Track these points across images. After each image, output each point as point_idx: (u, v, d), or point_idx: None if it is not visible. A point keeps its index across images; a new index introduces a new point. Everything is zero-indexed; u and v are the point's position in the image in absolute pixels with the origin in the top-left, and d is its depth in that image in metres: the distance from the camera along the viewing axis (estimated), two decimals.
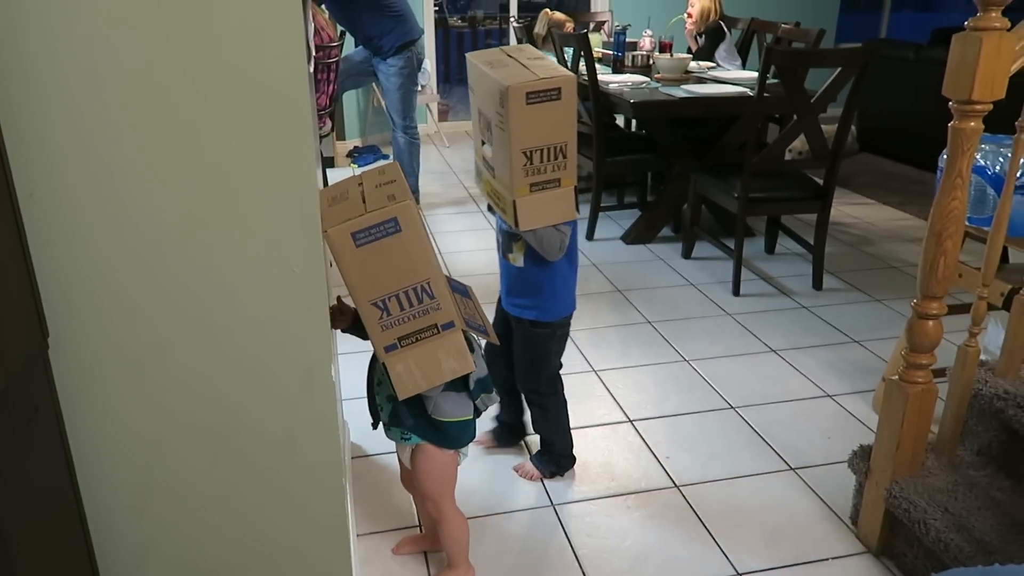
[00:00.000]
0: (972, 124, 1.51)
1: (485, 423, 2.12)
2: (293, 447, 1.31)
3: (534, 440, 2.14)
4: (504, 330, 1.92)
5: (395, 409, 1.48)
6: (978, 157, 2.05)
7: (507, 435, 2.18)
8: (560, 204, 1.54)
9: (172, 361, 1.22)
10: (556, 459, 2.04)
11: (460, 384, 1.44)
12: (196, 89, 1.08)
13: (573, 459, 2.07)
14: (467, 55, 1.58)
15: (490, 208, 1.67)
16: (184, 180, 1.12)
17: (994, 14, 1.44)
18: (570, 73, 1.41)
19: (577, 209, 1.63)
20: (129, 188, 1.11)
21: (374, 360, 1.53)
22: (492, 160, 1.50)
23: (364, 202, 1.23)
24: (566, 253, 1.73)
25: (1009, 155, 1.95)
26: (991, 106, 1.51)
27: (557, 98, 1.36)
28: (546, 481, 2.02)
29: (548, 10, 4.50)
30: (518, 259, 1.76)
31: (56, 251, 1.11)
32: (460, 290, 1.44)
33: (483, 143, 1.58)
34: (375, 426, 1.57)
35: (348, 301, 1.44)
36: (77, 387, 1.19)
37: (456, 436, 1.50)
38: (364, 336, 1.57)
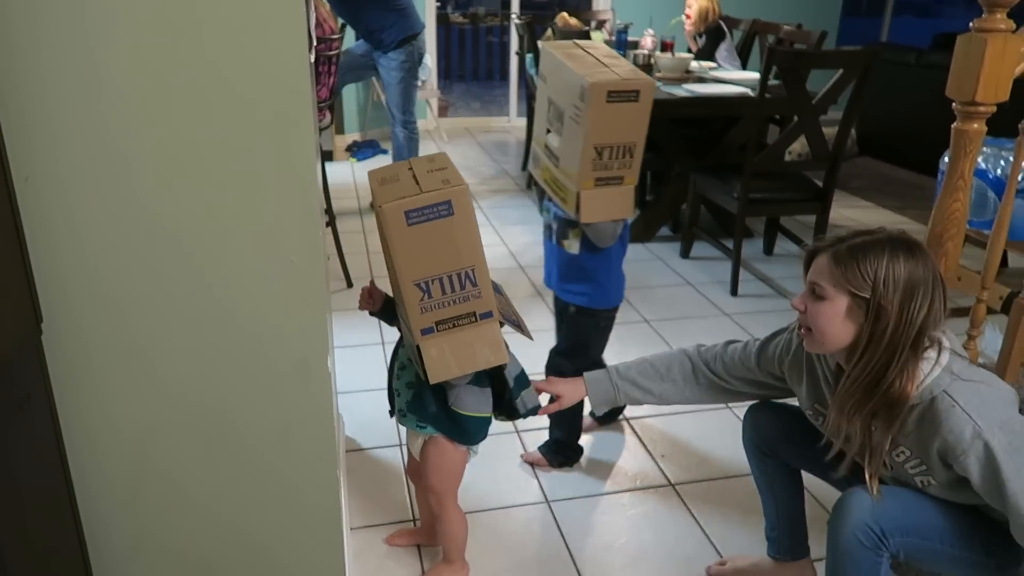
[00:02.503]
0: (975, 126, 1.51)
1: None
2: (288, 438, 1.30)
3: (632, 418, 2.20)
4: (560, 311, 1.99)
5: (418, 394, 1.47)
6: (979, 160, 2.05)
7: (608, 414, 2.23)
8: (620, 200, 1.62)
9: (167, 349, 1.21)
10: (564, 450, 2.06)
11: (484, 379, 1.44)
12: (196, 77, 1.07)
13: (580, 451, 2.09)
14: (541, 44, 1.63)
15: (540, 195, 1.73)
16: (183, 168, 1.11)
17: (1000, 15, 1.44)
18: (650, 78, 1.46)
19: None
20: (127, 175, 1.10)
21: (396, 347, 1.53)
22: (558, 150, 1.53)
23: (417, 183, 1.23)
24: (620, 245, 1.81)
25: (1011, 158, 1.94)
26: (995, 108, 1.51)
27: (635, 100, 1.41)
28: (542, 478, 2.02)
29: (566, 14, 4.49)
30: (573, 245, 1.80)
31: (52, 236, 1.10)
32: (494, 287, 1.43)
33: (547, 131, 1.60)
34: (392, 414, 1.56)
35: (381, 284, 1.44)
36: (71, 375, 1.18)
37: (471, 432, 1.49)
38: (390, 321, 1.56)
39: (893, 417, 1.22)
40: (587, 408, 2.23)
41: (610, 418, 2.26)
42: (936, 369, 1.21)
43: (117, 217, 1.12)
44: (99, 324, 1.17)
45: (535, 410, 1.48)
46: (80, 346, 1.17)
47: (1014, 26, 1.46)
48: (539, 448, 2.08)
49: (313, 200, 1.17)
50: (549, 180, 1.67)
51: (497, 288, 1.46)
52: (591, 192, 1.57)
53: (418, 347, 1.29)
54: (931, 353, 1.22)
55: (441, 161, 1.31)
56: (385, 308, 1.58)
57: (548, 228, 1.86)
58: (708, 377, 1.56)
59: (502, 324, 1.33)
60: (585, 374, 1.60)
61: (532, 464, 2.07)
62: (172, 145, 1.10)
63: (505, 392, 1.45)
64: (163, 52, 1.05)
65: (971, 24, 1.48)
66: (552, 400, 1.60)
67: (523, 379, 1.46)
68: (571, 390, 1.58)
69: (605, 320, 1.94)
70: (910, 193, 4.73)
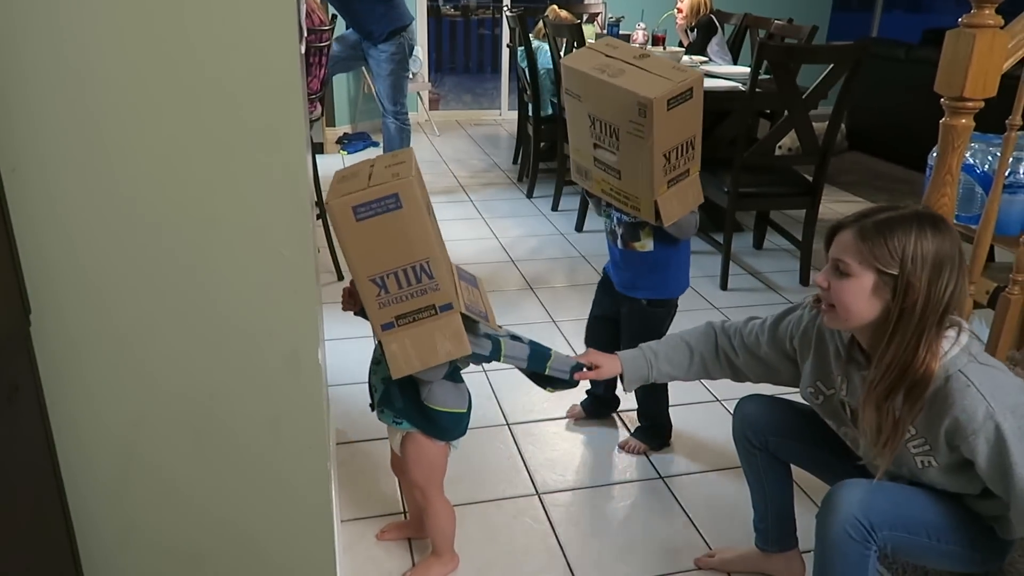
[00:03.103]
0: (963, 121, 1.52)
1: (577, 395, 2.19)
2: (278, 430, 1.30)
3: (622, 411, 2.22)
4: (610, 312, 2.06)
5: (387, 390, 1.47)
6: (967, 156, 2.07)
7: (598, 408, 2.25)
8: (693, 191, 1.66)
9: (157, 341, 1.20)
10: (660, 431, 2.12)
11: (458, 375, 1.44)
12: (184, 67, 1.06)
13: (671, 426, 2.14)
14: (564, 62, 1.63)
15: (597, 202, 1.82)
16: (172, 159, 1.10)
17: (988, 11, 1.45)
18: (697, 71, 1.47)
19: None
20: (115, 166, 1.09)
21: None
22: (618, 164, 1.56)
23: (369, 179, 1.22)
24: (684, 250, 1.90)
25: (998, 154, 1.96)
26: (983, 103, 1.52)
27: (690, 98, 1.42)
28: (531, 471, 2.02)
29: (556, 7, 4.48)
30: (647, 244, 1.84)
31: (39, 227, 1.09)
32: (467, 279, 1.43)
33: (595, 146, 1.61)
34: (372, 408, 1.56)
35: None
36: (59, 366, 1.17)
37: (446, 428, 1.49)
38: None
39: (917, 396, 1.21)
40: (579, 398, 2.25)
41: (602, 412, 2.26)
42: (955, 348, 1.21)
43: (105, 208, 1.11)
44: (87, 315, 1.16)
45: (576, 368, 1.50)
46: (68, 337, 1.16)
47: (1003, 22, 1.47)
48: (634, 435, 2.13)
49: (303, 192, 1.17)
50: (609, 191, 1.69)
51: (473, 280, 1.45)
52: (666, 195, 1.59)
53: (379, 343, 1.29)
54: (951, 332, 1.22)
55: (403, 156, 1.31)
56: None
57: (612, 234, 1.90)
58: (725, 352, 1.56)
59: (466, 316, 1.31)
60: (620, 352, 1.58)
61: (634, 452, 2.10)
62: (160, 137, 1.09)
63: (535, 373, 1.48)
64: (150, 42, 1.04)
65: (960, 20, 1.48)
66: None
67: (539, 356, 1.46)
68: (608, 363, 1.56)
69: (675, 307, 2.02)
70: (899, 188, 4.75)
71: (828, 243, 1.27)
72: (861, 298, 1.21)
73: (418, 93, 5.90)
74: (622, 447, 2.12)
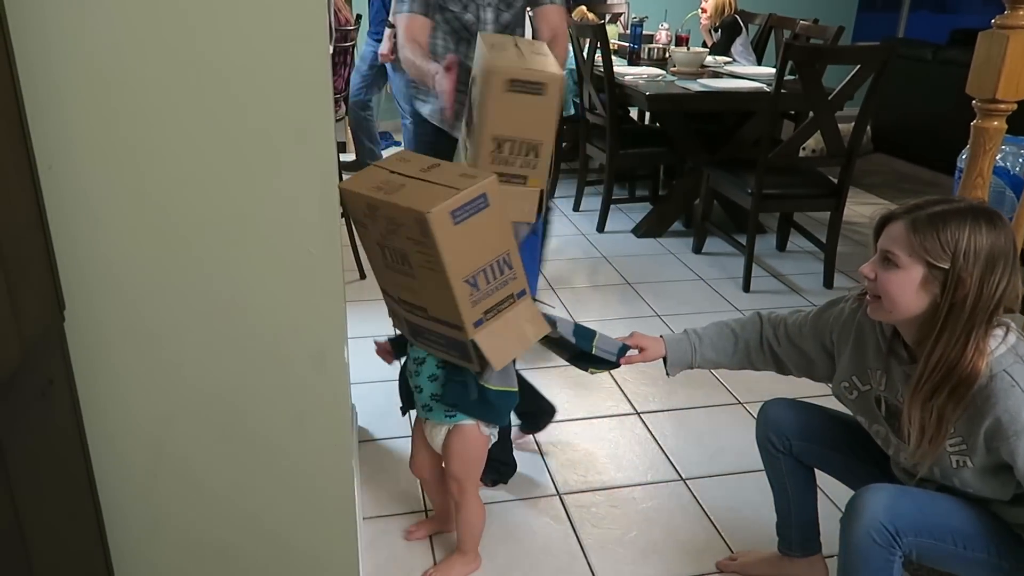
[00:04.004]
0: (995, 123, 1.51)
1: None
2: (303, 427, 1.31)
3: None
4: None
5: (443, 384, 1.48)
6: (998, 158, 2.04)
7: (535, 422, 2.15)
8: (520, 203, 1.45)
9: (186, 339, 1.22)
10: (497, 466, 1.93)
11: None
12: (218, 69, 1.08)
13: (514, 467, 2.00)
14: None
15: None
16: (203, 159, 1.12)
17: (1022, 12, 1.43)
18: (560, 73, 1.34)
19: (542, 209, 1.50)
20: (149, 165, 1.11)
21: (405, 346, 1.55)
22: (468, 140, 1.46)
23: (430, 172, 1.23)
24: (529, 251, 1.71)
25: None
26: (1015, 106, 1.50)
27: (540, 93, 1.30)
28: (552, 471, 2.02)
29: (584, 8, 4.48)
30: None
31: (74, 225, 1.11)
32: None
33: (466, 123, 1.54)
34: (404, 411, 1.58)
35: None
36: (91, 361, 1.19)
37: (500, 408, 1.50)
38: (404, 352, 1.58)
39: (962, 395, 1.19)
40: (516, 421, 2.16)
41: (537, 427, 2.16)
42: (1002, 347, 1.19)
43: (137, 207, 1.13)
44: (119, 312, 1.18)
45: (623, 350, 1.47)
46: (100, 334, 1.18)
47: None
48: (521, 428, 2.09)
49: (331, 191, 1.18)
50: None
51: None
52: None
53: (472, 341, 1.29)
54: (999, 331, 1.20)
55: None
56: (397, 349, 1.62)
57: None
58: (768, 341, 1.52)
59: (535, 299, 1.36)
60: (665, 335, 1.55)
61: (522, 444, 2.06)
62: (190, 136, 1.11)
63: (573, 351, 1.46)
64: (181, 43, 1.06)
65: (993, 21, 1.47)
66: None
67: (584, 331, 1.45)
68: (654, 345, 1.52)
69: None
70: (925, 190, 4.70)
71: (877, 233, 1.25)
72: (909, 291, 1.19)
73: None
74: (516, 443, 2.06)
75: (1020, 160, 2.01)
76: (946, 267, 1.15)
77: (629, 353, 1.48)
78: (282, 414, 1.31)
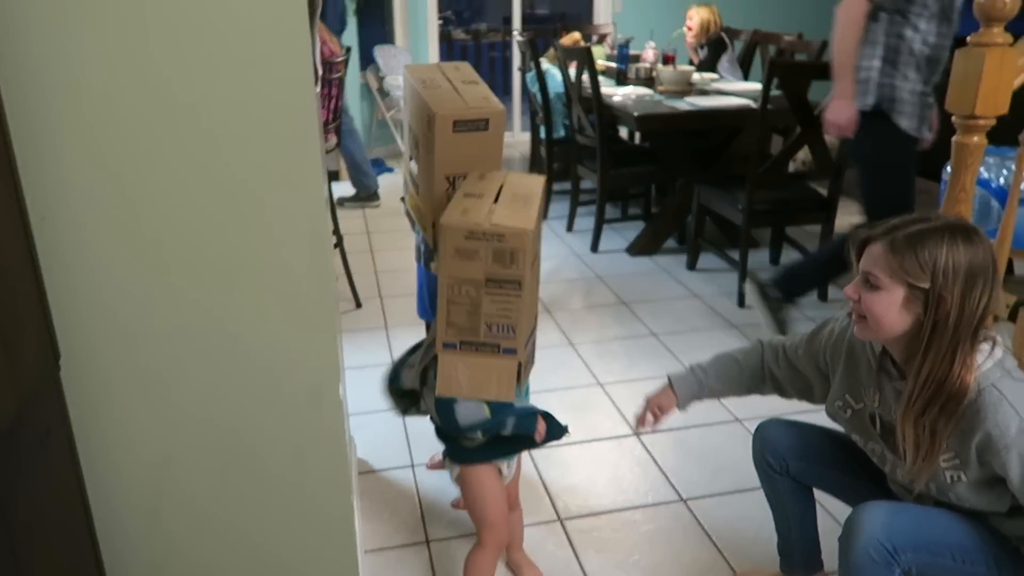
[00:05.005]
0: (975, 139, 1.53)
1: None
2: (303, 464, 1.32)
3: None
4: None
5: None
6: (982, 170, 2.06)
7: None
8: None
9: (183, 380, 1.23)
10: None
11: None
12: (208, 115, 1.09)
13: None
14: (405, 67, 1.54)
15: (412, 219, 1.65)
16: (195, 201, 1.13)
17: (996, 30, 1.46)
18: (500, 106, 1.40)
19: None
20: (140, 212, 1.12)
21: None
22: (417, 178, 1.50)
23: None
24: None
25: (1013, 167, 1.95)
26: (994, 121, 1.52)
27: (484, 128, 1.35)
28: (553, 496, 2.02)
29: (577, 34, 4.53)
30: None
31: (68, 273, 1.12)
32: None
33: (411, 158, 1.58)
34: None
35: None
36: (88, 408, 1.20)
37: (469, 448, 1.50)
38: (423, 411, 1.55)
39: (953, 409, 1.20)
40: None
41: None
42: (989, 362, 1.20)
43: (129, 252, 1.14)
44: (116, 356, 1.19)
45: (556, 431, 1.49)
46: (98, 379, 1.19)
47: (1011, 39, 1.47)
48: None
49: (322, 230, 1.19)
50: (414, 207, 1.63)
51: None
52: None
53: (435, 356, 1.31)
54: (985, 346, 1.21)
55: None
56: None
57: (418, 250, 1.81)
58: (769, 367, 1.55)
59: (522, 366, 1.32)
60: (670, 374, 1.58)
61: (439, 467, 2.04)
62: (182, 178, 1.12)
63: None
64: (171, 89, 1.08)
65: (968, 38, 1.49)
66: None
67: (526, 417, 1.47)
68: (665, 401, 1.57)
69: None
70: (916, 198, 4.71)
71: (857, 255, 1.26)
72: (892, 311, 1.20)
73: None
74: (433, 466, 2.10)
75: (1004, 171, 2.03)
76: (927, 286, 1.16)
77: (648, 420, 1.56)
78: (280, 452, 1.31)
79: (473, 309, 1.24)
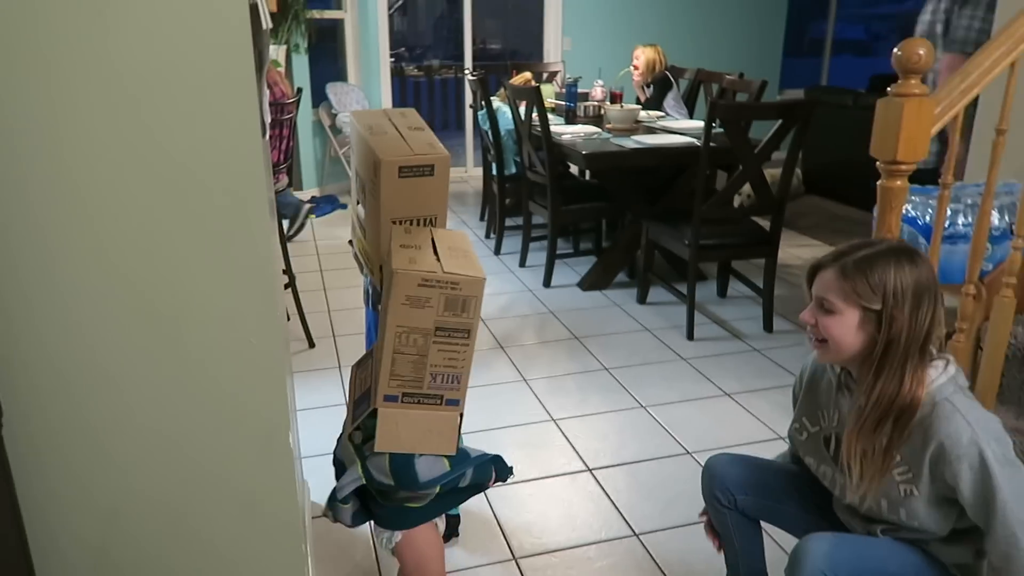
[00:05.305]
0: (899, 183, 1.61)
1: None
2: (252, 514, 1.32)
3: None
4: None
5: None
6: (909, 208, 2.17)
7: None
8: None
9: (129, 432, 1.23)
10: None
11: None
12: (157, 162, 1.11)
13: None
14: (351, 113, 1.60)
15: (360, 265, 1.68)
16: (142, 255, 1.14)
17: (913, 81, 1.55)
18: (445, 152, 1.44)
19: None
20: (82, 265, 1.12)
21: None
22: (365, 222, 1.53)
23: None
24: None
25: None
26: (915, 166, 1.61)
27: (430, 174, 1.39)
28: (507, 534, 2.04)
29: (528, 74, 4.61)
30: None
31: (10, 325, 1.12)
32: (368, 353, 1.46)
33: (358, 203, 1.61)
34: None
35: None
36: (31, 465, 1.18)
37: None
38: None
39: (905, 423, 1.26)
40: None
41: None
42: (943, 377, 1.27)
43: (74, 306, 1.14)
44: (59, 412, 1.18)
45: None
46: (40, 436, 1.18)
47: (928, 90, 1.57)
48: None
49: (270, 285, 1.21)
50: (362, 251, 1.64)
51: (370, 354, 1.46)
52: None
53: (375, 410, 1.30)
54: (939, 363, 1.28)
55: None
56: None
57: (367, 293, 1.81)
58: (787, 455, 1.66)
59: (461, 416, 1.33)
60: None
61: None
62: (127, 240, 1.13)
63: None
64: (122, 146, 1.09)
65: (888, 89, 1.58)
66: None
67: (482, 467, 1.45)
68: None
69: None
70: (856, 230, 4.89)
71: (809, 281, 1.34)
72: (849, 333, 1.27)
73: None
74: None
75: (930, 210, 2.15)
76: (879, 308, 1.24)
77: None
78: (230, 501, 1.31)
79: (419, 359, 1.26)
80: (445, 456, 1.37)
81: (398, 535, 1.48)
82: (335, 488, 1.41)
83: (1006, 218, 2.12)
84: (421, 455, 1.35)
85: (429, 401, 1.29)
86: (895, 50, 1.53)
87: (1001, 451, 1.21)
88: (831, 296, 1.28)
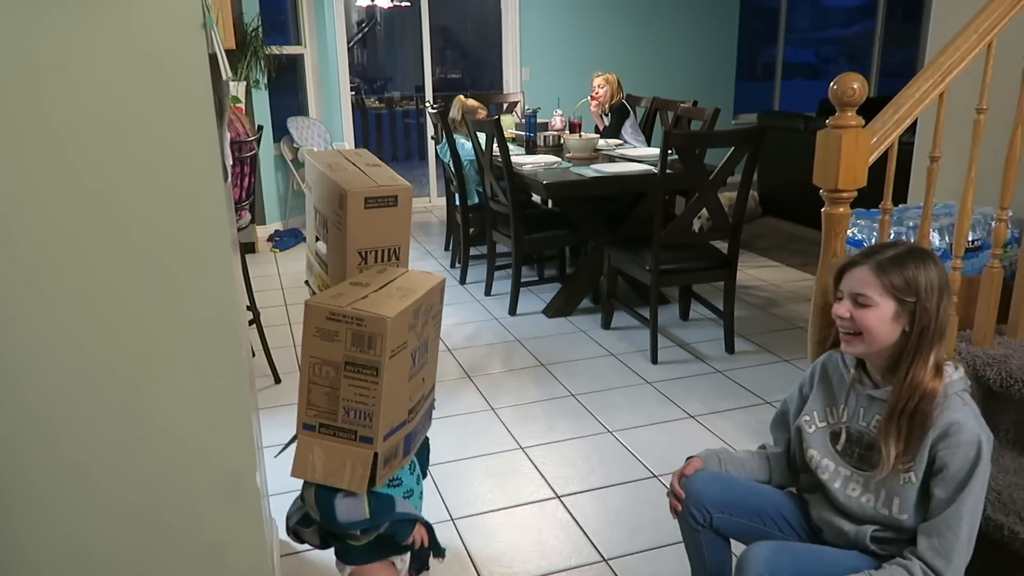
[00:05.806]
0: (841, 210, 1.68)
1: None
2: (222, 555, 1.33)
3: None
4: None
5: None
6: (855, 231, 2.25)
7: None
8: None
9: (97, 477, 1.23)
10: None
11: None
12: (120, 207, 1.13)
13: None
14: (306, 153, 1.65)
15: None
16: (107, 301, 1.16)
17: (850, 113, 1.63)
18: (407, 184, 1.51)
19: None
20: (54, 303, 1.14)
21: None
22: (327, 257, 1.58)
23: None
24: None
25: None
26: (855, 193, 1.68)
27: (394, 204, 1.46)
28: (478, 565, 2.05)
29: (462, 97, 4.69)
30: None
31: None
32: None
33: (317, 239, 1.65)
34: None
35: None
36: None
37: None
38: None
39: (928, 411, 1.36)
40: None
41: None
42: (956, 375, 1.39)
43: (44, 351, 1.15)
44: (19, 460, 1.18)
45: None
46: (7, 479, 1.18)
47: (863, 122, 1.65)
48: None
49: (235, 328, 1.23)
50: (323, 286, 1.68)
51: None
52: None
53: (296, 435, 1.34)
54: (950, 364, 1.40)
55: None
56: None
57: None
58: (770, 445, 1.71)
59: (380, 458, 1.33)
60: (701, 456, 1.69)
61: None
62: (95, 277, 1.15)
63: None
64: (79, 196, 1.11)
65: (827, 122, 1.66)
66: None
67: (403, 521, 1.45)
68: (694, 462, 1.69)
69: None
70: (812, 250, 4.99)
71: (837, 280, 1.44)
72: (884, 324, 1.37)
73: None
74: None
75: (875, 233, 2.23)
76: (913, 300, 1.35)
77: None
78: (198, 544, 1.31)
79: (332, 392, 1.29)
80: (368, 503, 1.38)
81: (348, 569, 1.50)
82: (287, 514, 1.46)
83: (946, 239, 2.22)
84: (344, 496, 1.36)
85: (344, 435, 1.31)
86: (832, 84, 1.61)
87: (989, 451, 1.33)
88: (868, 291, 1.37)
